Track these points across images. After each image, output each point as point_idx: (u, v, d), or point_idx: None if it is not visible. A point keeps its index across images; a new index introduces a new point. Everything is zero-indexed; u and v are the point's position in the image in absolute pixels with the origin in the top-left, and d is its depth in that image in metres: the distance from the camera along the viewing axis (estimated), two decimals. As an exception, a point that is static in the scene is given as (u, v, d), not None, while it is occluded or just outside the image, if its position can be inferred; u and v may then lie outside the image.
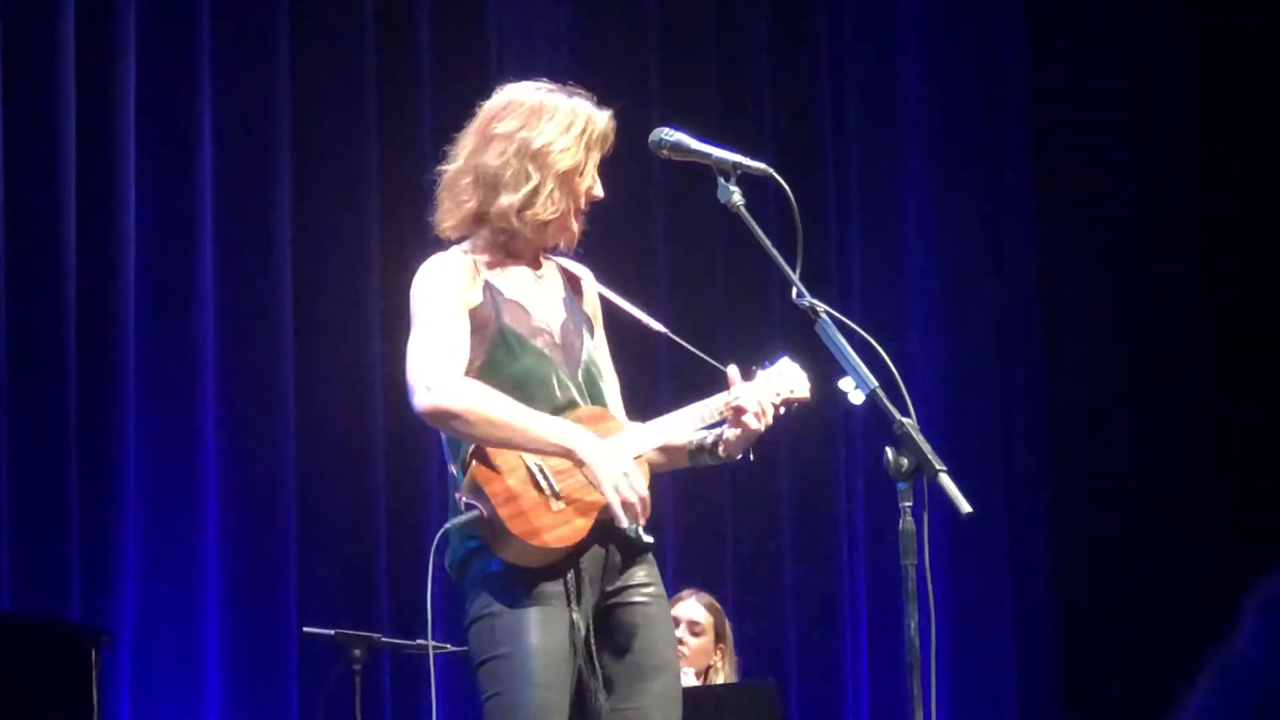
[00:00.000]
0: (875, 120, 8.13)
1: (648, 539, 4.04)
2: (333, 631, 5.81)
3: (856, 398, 3.65)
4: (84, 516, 6.45)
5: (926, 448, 3.50)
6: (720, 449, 4.09)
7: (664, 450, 4.11)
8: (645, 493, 3.90)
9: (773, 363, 4.16)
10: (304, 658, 6.67)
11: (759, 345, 7.71)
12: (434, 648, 4.03)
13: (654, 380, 6.74)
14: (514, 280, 4.07)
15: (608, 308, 4.24)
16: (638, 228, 7.63)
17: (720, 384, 4.07)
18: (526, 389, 3.96)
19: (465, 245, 4.08)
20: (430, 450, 7.00)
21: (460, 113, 7.01)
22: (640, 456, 3.99)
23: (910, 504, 3.50)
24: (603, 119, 4.09)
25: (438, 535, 3.93)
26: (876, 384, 3.60)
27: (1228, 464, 7.93)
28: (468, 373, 3.95)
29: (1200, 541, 7.83)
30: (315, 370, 6.93)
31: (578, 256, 4.22)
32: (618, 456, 3.90)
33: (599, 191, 4.11)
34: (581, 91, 4.12)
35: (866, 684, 7.73)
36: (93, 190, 6.62)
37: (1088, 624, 7.88)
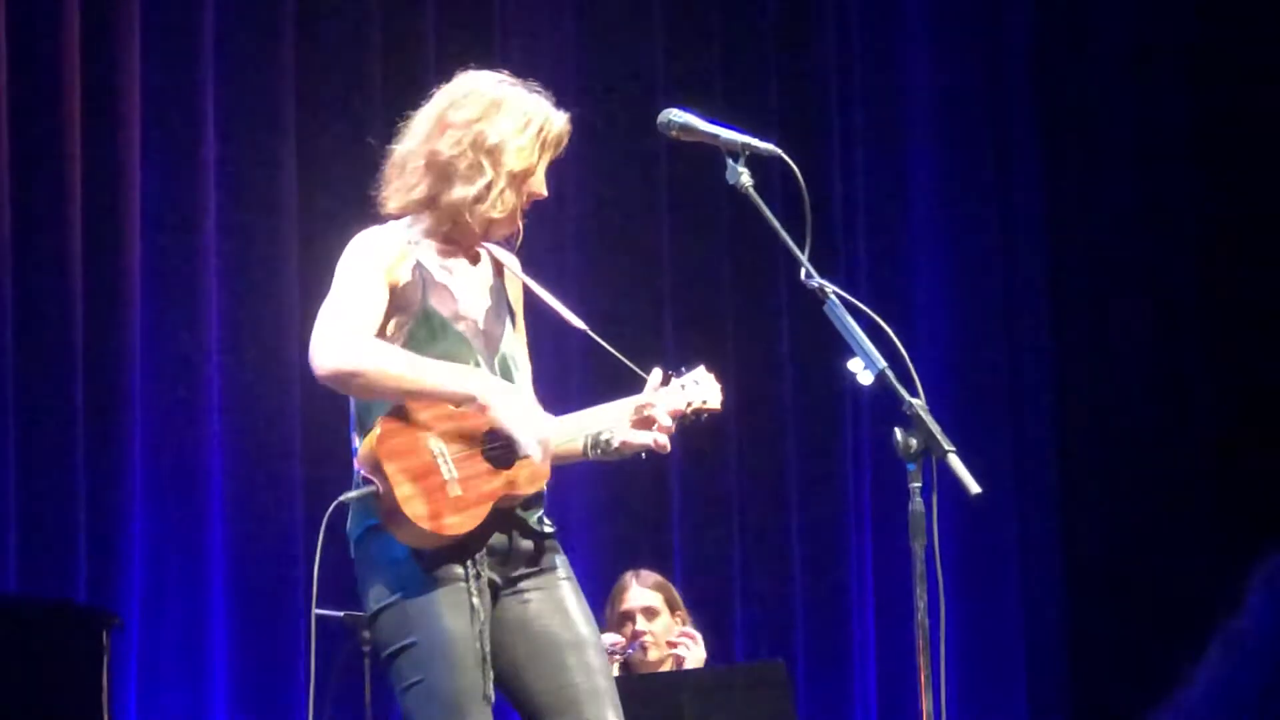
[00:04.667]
0: (881, 99, 8.11)
1: (549, 528, 4.04)
2: (342, 613, 5.81)
3: (865, 378, 3.64)
4: (91, 499, 6.46)
5: (935, 428, 3.50)
6: (616, 445, 4.06)
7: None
8: (546, 435, 3.90)
9: (689, 369, 4.14)
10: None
11: (767, 326, 7.75)
12: (318, 616, 4.04)
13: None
14: (445, 264, 4.06)
15: (529, 299, 4.22)
16: (643, 209, 7.63)
17: (638, 385, 4.08)
18: None
19: (406, 221, 4.08)
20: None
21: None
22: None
23: (919, 485, 3.51)
24: (560, 121, 4.07)
25: (331, 506, 3.90)
26: (885, 364, 3.60)
27: (1238, 440, 7.91)
28: None
29: (1211, 518, 7.82)
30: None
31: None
32: (520, 398, 3.92)
33: (543, 190, 4.08)
34: (540, 89, 4.09)
35: (874, 664, 7.73)
36: (98, 173, 6.61)
37: (1097, 604, 7.88)
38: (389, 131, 4.20)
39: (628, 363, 4.10)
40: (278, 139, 6.95)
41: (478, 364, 3.98)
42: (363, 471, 3.92)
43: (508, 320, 4.10)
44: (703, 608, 6.55)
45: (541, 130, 4.03)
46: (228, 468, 6.71)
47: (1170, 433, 7.99)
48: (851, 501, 7.82)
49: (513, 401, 3.89)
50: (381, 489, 3.87)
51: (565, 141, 4.09)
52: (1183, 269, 8.09)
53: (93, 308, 6.55)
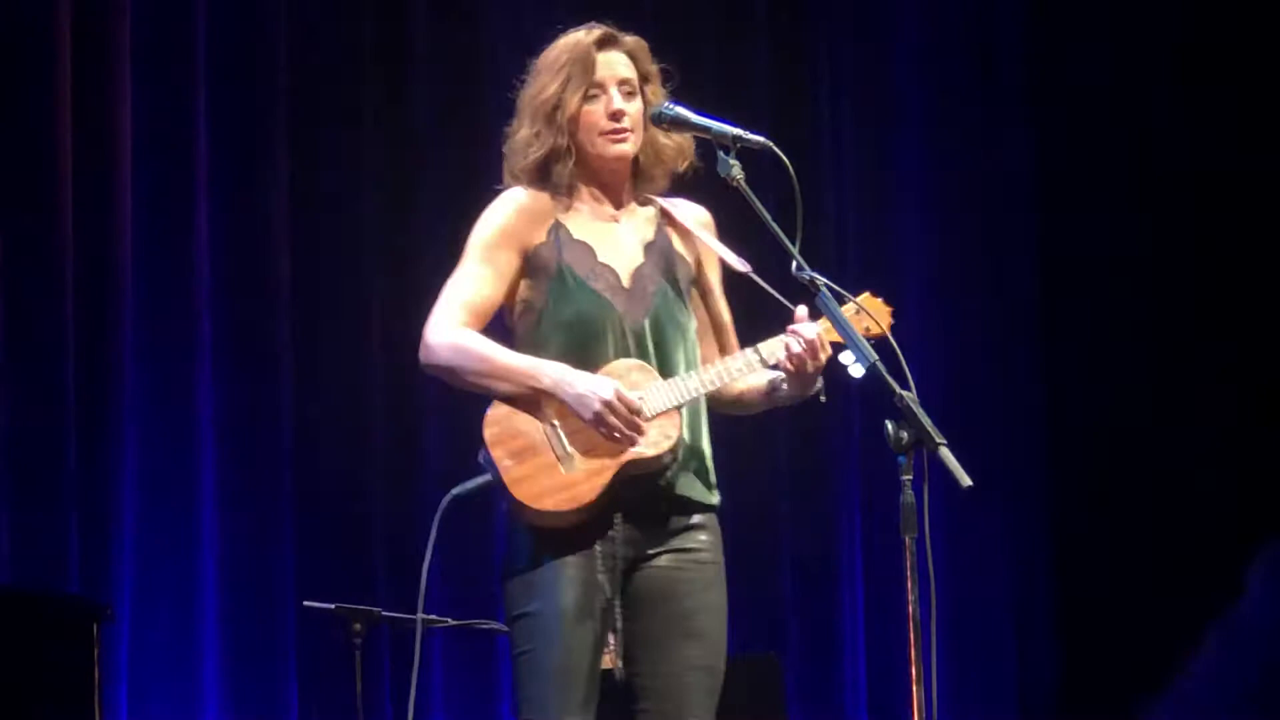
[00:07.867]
0: (870, 94, 8.10)
1: (697, 495, 4.04)
2: (333, 606, 5.80)
3: (856, 371, 3.65)
4: (82, 491, 6.45)
5: (927, 421, 3.50)
6: (785, 389, 4.04)
7: (736, 392, 4.09)
8: (633, 415, 3.85)
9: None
10: (303, 632, 6.67)
11: (756, 317, 7.74)
12: (424, 621, 4.07)
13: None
14: (586, 220, 4.04)
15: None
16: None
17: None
18: (579, 334, 3.95)
19: (544, 184, 4.06)
20: (428, 421, 7.00)
21: (450, 87, 7.05)
22: (678, 406, 3.93)
23: (910, 477, 3.51)
24: (583, 37, 4.06)
25: (444, 500, 3.94)
26: (876, 357, 3.61)
27: (1230, 432, 7.92)
28: (531, 317, 3.97)
29: (1202, 514, 7.82)
30: (313, 341, 6.92)
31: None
32: (590, 385, 3.87)
33: (616, 105, 4.01)
34: (592, 23, 4.11)
35: (864, 656, 7.73)
36: (90, 160, 6.60)
37: (1088, 598, 7.87)
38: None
39: (783, 300, 3.97)
40: (269, 123, 6.94)
41: (616, 323, 3.95)
42: (482, 459, 3.96)
43: (665, 277, 4.04)
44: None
45: (564, 59, 4.03)
46: (218, 460, 6.71)
47: (1164, 422, 7.98)
48: (842, 493, 7.82)
49: (576, 388, 3.85)
50: (493, 475, 3.92)
51: (595, 51, 4.03)
52: (1185, 262, 8.09)
53: (83, 296, 6.54)
